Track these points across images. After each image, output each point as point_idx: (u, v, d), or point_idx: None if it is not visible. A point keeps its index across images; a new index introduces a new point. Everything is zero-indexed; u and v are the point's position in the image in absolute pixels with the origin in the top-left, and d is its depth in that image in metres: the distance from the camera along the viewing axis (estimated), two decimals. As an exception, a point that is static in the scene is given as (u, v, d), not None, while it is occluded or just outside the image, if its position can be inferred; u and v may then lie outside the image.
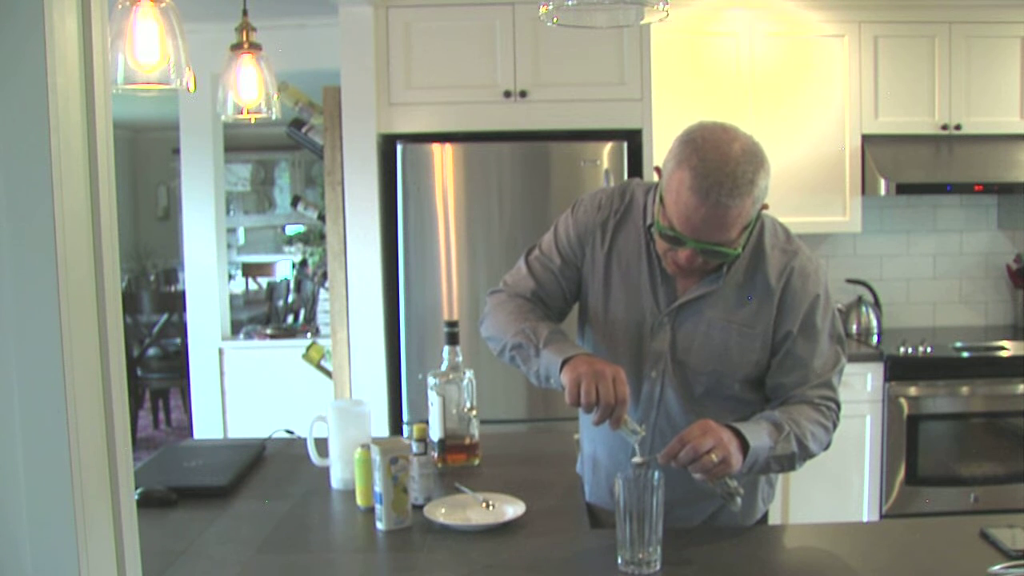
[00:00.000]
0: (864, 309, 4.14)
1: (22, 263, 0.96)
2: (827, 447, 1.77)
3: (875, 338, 4.04)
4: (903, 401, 3.68)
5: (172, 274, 8.63)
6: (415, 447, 1.89)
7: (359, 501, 1.89)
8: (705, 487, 1.61)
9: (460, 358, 2.18)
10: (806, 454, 1.71)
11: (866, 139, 3.95)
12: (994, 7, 3.91)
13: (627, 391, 1.61)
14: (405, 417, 3.58)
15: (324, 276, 4.56)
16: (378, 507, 1.77)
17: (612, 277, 1.85)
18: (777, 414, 1.72)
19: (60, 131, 0.96)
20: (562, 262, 1.89)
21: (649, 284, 1.81)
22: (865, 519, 3.69)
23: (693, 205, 1.61)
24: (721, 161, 1.59)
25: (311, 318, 6.77)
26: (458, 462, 2.17)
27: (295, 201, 5.01)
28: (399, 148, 3.52)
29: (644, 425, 1.69)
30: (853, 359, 3.70)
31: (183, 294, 4.82)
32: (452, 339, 2.19)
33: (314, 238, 8.54)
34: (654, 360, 1.81)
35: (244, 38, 2.46)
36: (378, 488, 1.77)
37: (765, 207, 1.71)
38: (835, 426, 1.78)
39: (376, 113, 3.58)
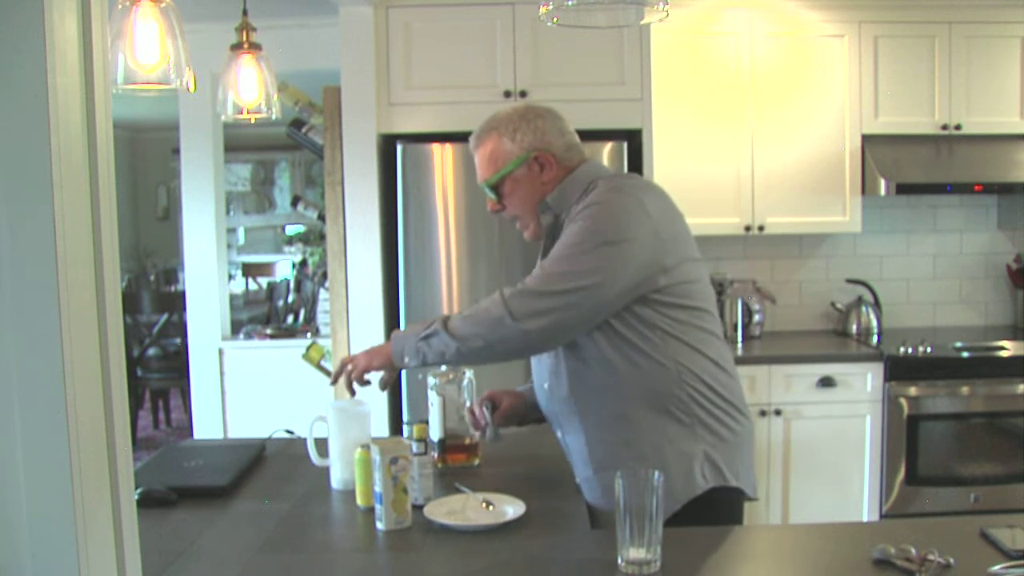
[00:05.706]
0: (864, 309, 4.14)
1: (22, 263, 0.96)
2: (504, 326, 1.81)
3: (875, 338, 4.03)
4: (903, 401, 3.67)
5: (172, 274, 8.62)
6: (415, 447, 1.89)
7: (359, 501, 1.89)
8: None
9: (460, 358, 2.18)
10: (458, 334, 1.85)
11: (866, 139, 3.95)
12: (994, 7, 3.91)
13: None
14: (405, 417, 3.57)
15: (324, 276, 4.57)
16: (378, 507, 1.77)
17: None
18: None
19: (60, 131, 0.96)
20: None
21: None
22: (865, 519, 3.69)
23: None
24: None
25: (311, 318, 6.77)
26: (458, 462, 2.17)
27: (295, 201, 5.01)
28: (399, 148, 3.52)
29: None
30: (854, 359, 3.72)
31: (183, 294, 4.81)
32: (452, 339, 2.19)
33: (314, 238, 8.55)
34: None
35: (244, 38, 2.46)
36: (378, 488, 1.77)
37: (544, 157, 1.94)
38: (503, 305, 1.81)
39: (376, 113, 3.58)
